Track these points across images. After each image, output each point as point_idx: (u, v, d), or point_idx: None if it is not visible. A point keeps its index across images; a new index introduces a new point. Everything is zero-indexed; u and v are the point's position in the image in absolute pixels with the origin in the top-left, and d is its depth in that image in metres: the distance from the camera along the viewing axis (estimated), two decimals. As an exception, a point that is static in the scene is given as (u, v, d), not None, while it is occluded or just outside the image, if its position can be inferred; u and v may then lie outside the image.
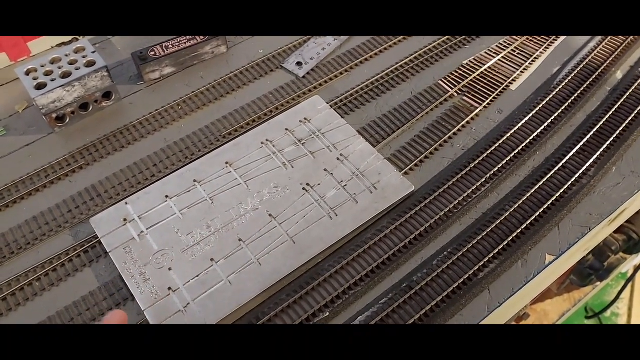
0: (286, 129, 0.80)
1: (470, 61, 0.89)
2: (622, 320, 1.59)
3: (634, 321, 1.57)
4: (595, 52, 0.88)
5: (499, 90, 0.84)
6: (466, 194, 0.72)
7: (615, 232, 1.19)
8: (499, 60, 0.88)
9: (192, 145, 0.80)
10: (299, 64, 0.89)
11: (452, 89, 0.85)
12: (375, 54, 0.91)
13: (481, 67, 0.87)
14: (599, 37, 0.91)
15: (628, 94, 0.81)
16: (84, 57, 0.81)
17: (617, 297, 1.50)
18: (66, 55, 0.81)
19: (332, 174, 0.75)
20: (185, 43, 0.88)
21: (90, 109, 0.83)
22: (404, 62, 0.89)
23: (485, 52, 0.90)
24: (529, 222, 0.70)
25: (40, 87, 0.78)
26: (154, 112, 0.84)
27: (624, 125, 0.78)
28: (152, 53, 0.87)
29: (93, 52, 0.82)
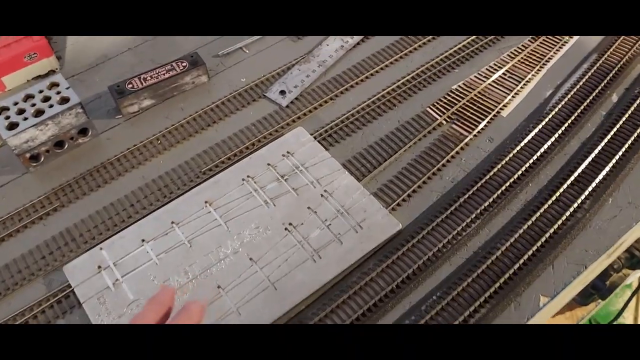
0: (268, 164, 0.77)
1: (459, 86, 0.85)
2: (628, 333, 1.56)
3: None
4: (589, 73, 0.84)
5: (489, 117, 0.81)
6: (456, 231, 0.69)
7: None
8: (489, 84, 0.85)
9: (171, 183, 0.77)
10: (282, 92, 0.86)
11: (440, 116, 0.81)
12: (362, 80, 0.87)
13: (471, 92, 0.84)
14: (592, 58, 0.87)
15: (624, 118, 0.78)
16: (57, 93, 0.78)
17: (624, 309, 1.47)
18: (40, 92, 0.78)
19: (315, 212, 0.72)
20: (164, 74, 0.85)
21: (66, 146, 0.80)
22: (390, 88, 0.85)
23: (475, 76, 0.86)
24: (522, 261, 0.66)
25: (12, 126, 0.75)
26: (132, 147, 0.81)
27: (620, 152, 0.75)
28: (130, 86, 0.84)
29: (67, 88, 0.79)
